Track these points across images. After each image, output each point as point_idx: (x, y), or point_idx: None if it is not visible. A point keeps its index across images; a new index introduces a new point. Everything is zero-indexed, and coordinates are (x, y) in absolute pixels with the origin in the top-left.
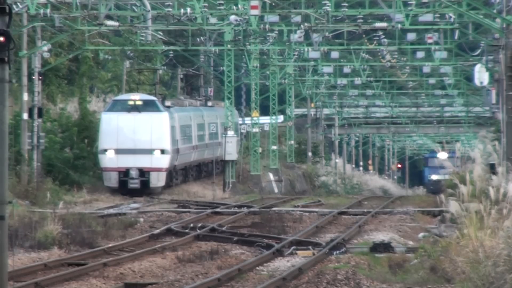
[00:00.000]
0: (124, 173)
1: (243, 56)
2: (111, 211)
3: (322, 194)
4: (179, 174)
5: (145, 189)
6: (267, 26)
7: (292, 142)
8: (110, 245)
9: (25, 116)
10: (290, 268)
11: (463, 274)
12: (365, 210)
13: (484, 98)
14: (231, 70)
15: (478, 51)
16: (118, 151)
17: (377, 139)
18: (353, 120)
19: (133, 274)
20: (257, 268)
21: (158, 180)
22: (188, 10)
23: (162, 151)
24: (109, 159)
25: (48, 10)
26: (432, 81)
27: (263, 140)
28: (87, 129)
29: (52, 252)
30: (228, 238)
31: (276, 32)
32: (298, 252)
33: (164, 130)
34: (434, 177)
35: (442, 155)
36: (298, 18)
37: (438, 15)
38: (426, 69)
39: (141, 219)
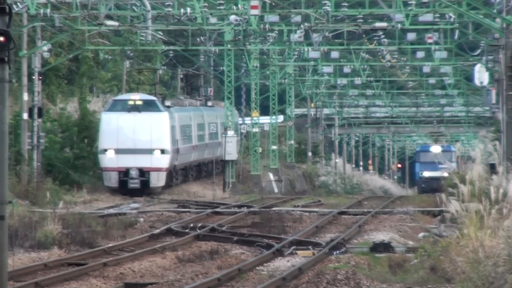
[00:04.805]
0: (124, 173)
1: (243, 56)
2: (111, 211)
3: (322, 194)
4: (179, 174)
5: (145, 189)
6: (267, 26)
7: (292, 142)
8: (110, 245)
9: (25, 116)
10: (290, 268)
11: (463, 274)
12: (365, 210)
13: (484, 98)
14: (231, 70)
15: (478, 51)
16: (118, 151)
17: (377, 139)
18: (353, 120)
19: (133, 274)
20: (257, 268)
21: (158, 180)
22: (188, 10)
23: (162, 151)
24: (109, 159)
25: (48, 10)
26: (432, 81)
27: (263, 140)
28: (87, 129)
29: (52, 252)
30: (228, 238)
31: (276, 32)
32: (298, 252)
33: (164, 130)
34: (427, 174)
35: (436, 149)
36: (298, 18)
37: (438, 15)
38: (426, 69)
39: (141, 219)
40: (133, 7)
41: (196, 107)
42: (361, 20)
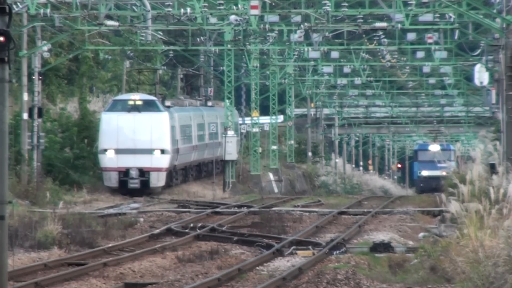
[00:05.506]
0: (124, 173)
1: (243, 56)
2: (111, 211)
3: (322, 194)
4: (179, 174)
5: (145, 189)
6: (267, 26)
7: (292, 142)
8: (110, 245)
9: (25, 116)
10: (290, 268)
11: (463, 274)
12: (365, 210)
13: (484, 98)
14: (231, 70)
15: (478, 51)
16: (118, 151)
17: (377, 139)
18: (353, 120)
19: (133, 274)
20: (257, 268)
21: (158, 180)
22: (188, 10)
23: (162, 151)
24: (109, 159)
25: (48, 10)
26: (432, 81)
27: (263, 140)
28: (87, 129)
29: (52, 252)
30: (228, 238)
31: (276, 32)
32: (298, 252)
33: (164, 130)
34: (425, 173)
35: (434, 148)
36: (298, 18)
37: (438, 15)
38: (426, 69)
39: (141, 219)
40: (133, 7)
41: (196, 107)
42: (361, 20)
